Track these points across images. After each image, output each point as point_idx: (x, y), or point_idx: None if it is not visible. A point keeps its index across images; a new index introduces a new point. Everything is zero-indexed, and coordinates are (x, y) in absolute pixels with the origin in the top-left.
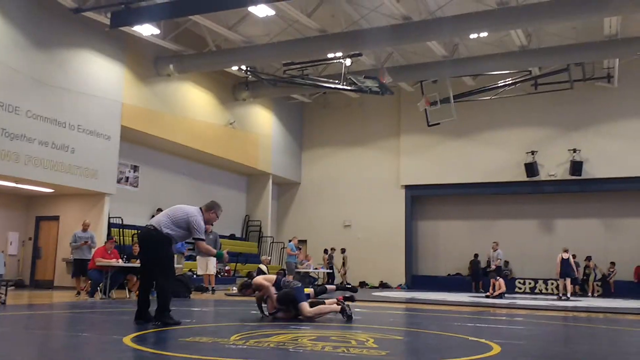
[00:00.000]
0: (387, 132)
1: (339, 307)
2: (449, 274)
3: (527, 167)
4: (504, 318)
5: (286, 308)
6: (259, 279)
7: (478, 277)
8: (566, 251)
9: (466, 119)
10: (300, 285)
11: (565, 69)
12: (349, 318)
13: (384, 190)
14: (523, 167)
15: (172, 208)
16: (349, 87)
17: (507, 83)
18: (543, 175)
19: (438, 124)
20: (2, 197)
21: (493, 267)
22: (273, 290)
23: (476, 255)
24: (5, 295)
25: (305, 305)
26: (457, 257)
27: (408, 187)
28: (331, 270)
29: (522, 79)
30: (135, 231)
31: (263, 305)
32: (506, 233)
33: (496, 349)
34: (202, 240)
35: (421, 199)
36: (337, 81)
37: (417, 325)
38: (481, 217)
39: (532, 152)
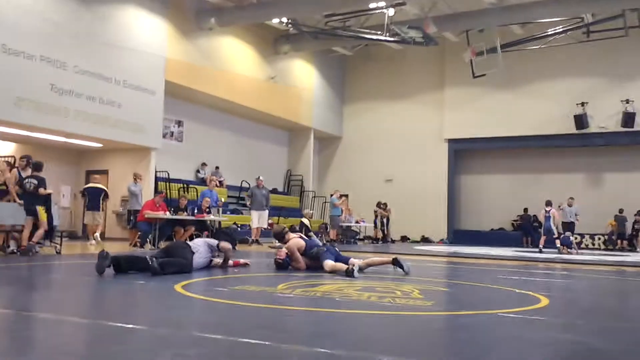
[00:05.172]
0: (430, 84)
1: (348, 266)
2: (492, 229)
3: (576, 119)
4: (549, 272)
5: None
6: (294, 248)
7: (528, 232)
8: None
9: (513, 70)
10: (325, 249)
11: (620, 15)
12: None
13: (427, 144)
14: (572, 119)
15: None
16: (391, 38)
17: (557, 31)
18: (593, 128)
19: (484, 75)
20: (54, 151)
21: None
22: (301, 261)
23: (526, 210)
24: (60, 245)
25: (327, 262)
26: (501, 212)
27: (451, 141)
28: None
29: (573, 26)
30: (181, 185)
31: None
32: (552, 187)
33: (544, 301)
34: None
35: (465, 153)
36: (379, 32)
37: (461, 278)
38: (527, 171)
39: (582, 104)
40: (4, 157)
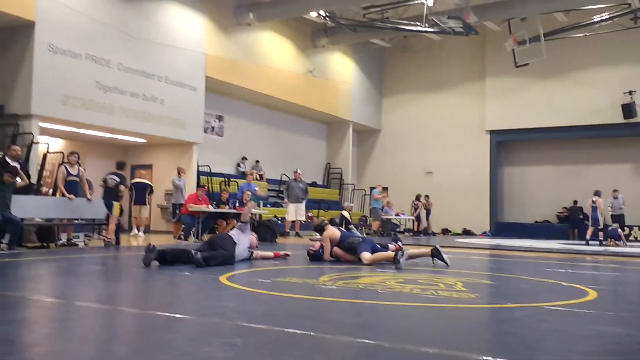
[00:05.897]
0: (471, 75)
1: (396, 252)
2: (536, 221)
3: (624, 108)
4: (597, 265)
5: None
6: (327, 237)
7: (575, 224)
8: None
9: (557, 59)
10: (362, 240)
11: None
12: (440, 260)
13: (468, 136)
14: (619, 108)
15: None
16: (431, 29)
17: (603, 18)
18: None
19: (527, 64)
20: (100, 147)
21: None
22: (327, 252)
23: (575, 202)
24: (117, 239)
25: (364, 254)
26: (545, 204)
27: (493, 132)
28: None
29: (620, 12)
30: (223, 179)
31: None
32: (598, 178)
33: (592, 294)
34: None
35: (507, 144)
36: (418, 23)
37: (505, 271)
38: (571, 162)
39: (630, 92)
40: (52, 152)
